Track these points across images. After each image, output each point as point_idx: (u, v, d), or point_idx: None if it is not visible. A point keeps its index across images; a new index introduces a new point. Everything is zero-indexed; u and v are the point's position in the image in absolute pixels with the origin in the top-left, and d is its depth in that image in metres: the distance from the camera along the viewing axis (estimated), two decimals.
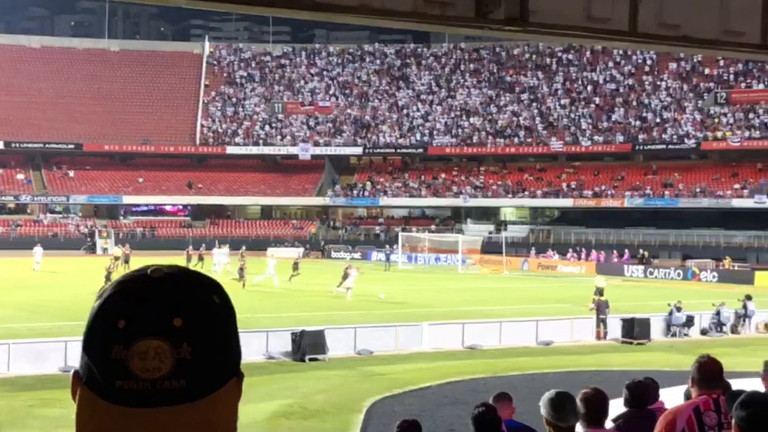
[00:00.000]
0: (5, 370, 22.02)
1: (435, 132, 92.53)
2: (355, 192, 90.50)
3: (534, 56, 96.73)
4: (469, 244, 71.54)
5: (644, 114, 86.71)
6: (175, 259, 57.31)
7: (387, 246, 71.42)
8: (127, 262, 49.99)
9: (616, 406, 6.38)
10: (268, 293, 42.33)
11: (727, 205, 72.99)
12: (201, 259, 56.17)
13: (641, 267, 64.21)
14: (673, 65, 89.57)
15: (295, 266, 48.94)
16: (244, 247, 54.97)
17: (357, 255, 76.88)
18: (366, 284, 46.01)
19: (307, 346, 24.27)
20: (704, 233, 72.48)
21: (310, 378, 22.02)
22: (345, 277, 41.52)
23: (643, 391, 6.83)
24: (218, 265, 52.83)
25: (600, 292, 30.14)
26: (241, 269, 46.02)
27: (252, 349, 24.12)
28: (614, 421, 6.40)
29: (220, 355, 1.23)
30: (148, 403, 1.19)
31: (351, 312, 34.31)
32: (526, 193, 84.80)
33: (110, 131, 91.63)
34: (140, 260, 45.18)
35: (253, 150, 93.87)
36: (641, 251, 68.05)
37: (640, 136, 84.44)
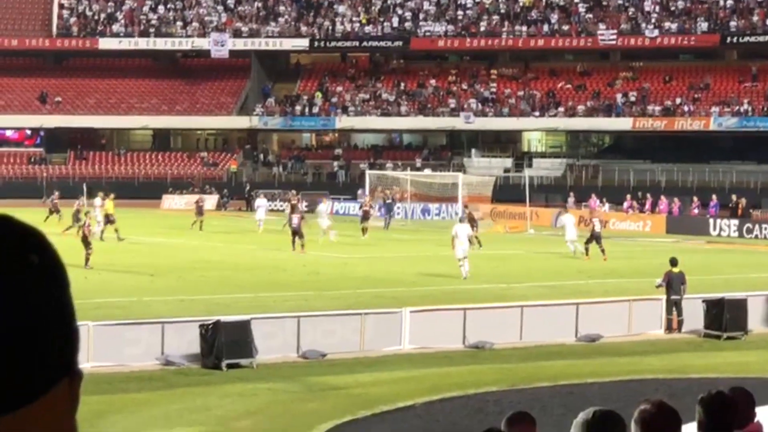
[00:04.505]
0: None
1: (421, 15, 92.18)
2: (297, 108, 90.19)
3: None
4: (474, 187, 71.62)
5: None
6: (26, 213, 56.86)
7: (382, 191, 71.13)
8: None
9: None
10: (162, 265, 42.31)
11: None
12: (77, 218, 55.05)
13: (735, 222, 64.67)
14: None
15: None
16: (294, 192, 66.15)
17: (303, 205, 76.68)
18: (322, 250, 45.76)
19: (224, 345, 24.32)
20: None
21: (228, 394, 22.09)
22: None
23: (725, 409, 6.89)
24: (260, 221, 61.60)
25: (673, 261, 30.33)
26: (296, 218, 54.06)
27: (138, 350, 24.09)
28: None
29: (41, 343, 1.23)
30: None
31: (291, 292, 34.38)
32: (561, 109, 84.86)
33: None
34: None
35: (141, 44, 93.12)
36: (735, 198, 68.50)
37: (733, 24, 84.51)
